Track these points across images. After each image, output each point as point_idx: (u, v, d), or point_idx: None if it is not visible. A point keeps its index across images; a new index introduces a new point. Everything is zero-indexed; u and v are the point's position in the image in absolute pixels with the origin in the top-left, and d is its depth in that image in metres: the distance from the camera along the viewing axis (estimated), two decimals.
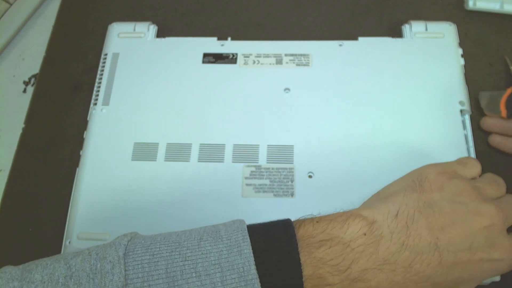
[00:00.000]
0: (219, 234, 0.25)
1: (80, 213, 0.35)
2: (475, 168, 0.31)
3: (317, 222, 0.26)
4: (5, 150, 0.42)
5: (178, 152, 0.37)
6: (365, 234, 0.25)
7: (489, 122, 0.38)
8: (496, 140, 0.38)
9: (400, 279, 0.25)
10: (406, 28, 0.42)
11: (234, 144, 0.37)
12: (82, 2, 0.48)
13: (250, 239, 0.24)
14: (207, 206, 0.35)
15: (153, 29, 0.44)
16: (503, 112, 0.36)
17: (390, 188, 0.29)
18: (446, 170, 0.29)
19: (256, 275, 0.22)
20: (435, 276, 0.25)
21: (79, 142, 0.40)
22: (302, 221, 0.26)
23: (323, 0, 0.46)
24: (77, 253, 0.24)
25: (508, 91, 0.36)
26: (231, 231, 0.25)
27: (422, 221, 0.26)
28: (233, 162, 0.36)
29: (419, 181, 0.28)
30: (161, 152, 0.37)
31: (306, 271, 0.24)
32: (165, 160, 0.37)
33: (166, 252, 0.24)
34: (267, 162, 0.36)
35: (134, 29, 0.43)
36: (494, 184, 0.30)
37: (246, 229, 0.25)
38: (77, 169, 0.38)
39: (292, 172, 0.36)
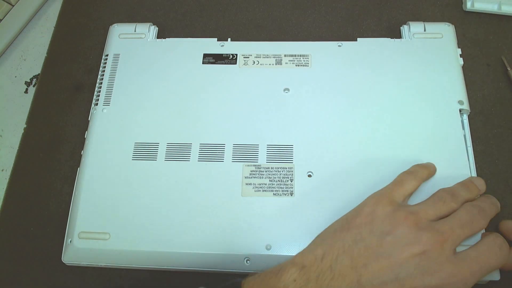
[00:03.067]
0: None
1: (81, 213, 0.35)
2: (413, 182, 0.31)
3: (259, 276, 0.28)
4: (7, 150, 0.42)
5: (178, 152, 0.37)
6: (295, 280, 0.27)
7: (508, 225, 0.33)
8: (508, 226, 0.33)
9: None
10: (404, 29, 0.42)
11: (234, 144, 0.37)
12: (83, 3, 0.49)
13: None
14: (207, 205, 0.35)
15: (153, 30, 0.44)
16: None
17: (329, 228, 0.30)
18: (381, 199, 0.29)
19: None
20: None
21: (80, 142, 0.40)
22: (247, 279, 0.29)
23: (322, 1, 0.47)
24: None
25: None
26: None
27: (346, 261, 0.27)
28: (232, 161, 0.36)
29: (352, 218, 0.29)
30: (162, 152, 0.37)
31: None
32: (165, 160, 0.37)
33: None
34: (267, 162, 0.36)
35: (135, 30, 0.44)
36: (439, 203, 0.29)
37: None
38: (78, 168, 0.38)
39: (292, 171, 0.36)
